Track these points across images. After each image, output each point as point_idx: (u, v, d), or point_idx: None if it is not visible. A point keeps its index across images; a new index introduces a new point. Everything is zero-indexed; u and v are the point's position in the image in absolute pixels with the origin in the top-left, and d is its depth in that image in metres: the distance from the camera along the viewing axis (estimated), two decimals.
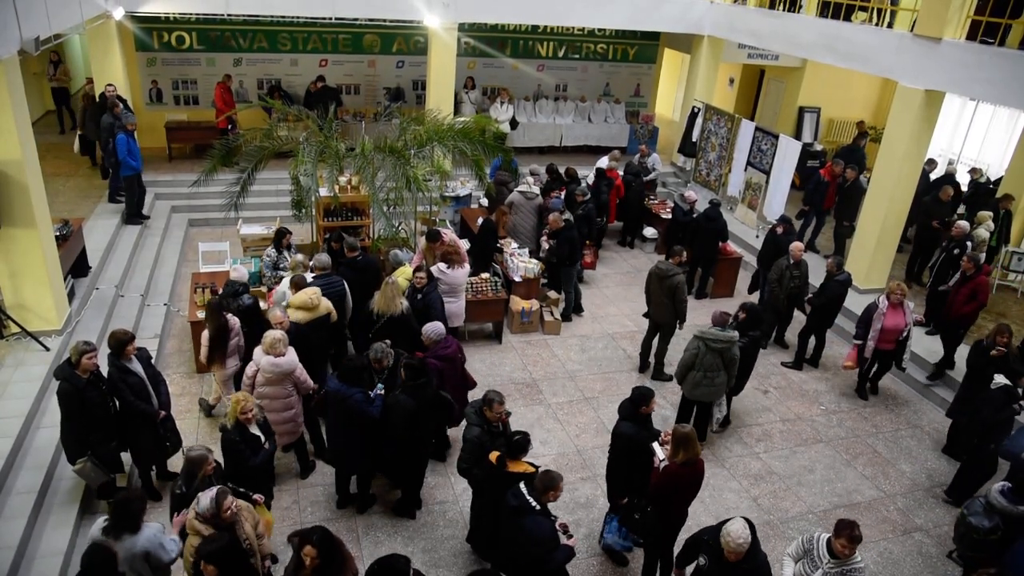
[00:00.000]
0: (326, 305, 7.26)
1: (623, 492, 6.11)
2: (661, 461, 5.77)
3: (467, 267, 8.76)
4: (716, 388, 7.44)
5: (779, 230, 10.15)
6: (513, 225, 11.05)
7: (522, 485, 5.04)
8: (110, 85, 11.50)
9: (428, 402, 6.14)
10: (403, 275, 8.06)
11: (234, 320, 7.09)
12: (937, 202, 10.97)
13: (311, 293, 7.09)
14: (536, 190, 11.12)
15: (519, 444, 5.42)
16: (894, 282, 8.47)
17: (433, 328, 6.83)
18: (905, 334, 8.43)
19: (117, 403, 6.01)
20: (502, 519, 5.19)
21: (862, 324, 8.55)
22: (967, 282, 8.76)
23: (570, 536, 5.12)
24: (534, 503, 4.94)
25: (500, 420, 5.84)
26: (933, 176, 13.05)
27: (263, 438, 5.81)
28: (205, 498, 4.63)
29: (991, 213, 10.46)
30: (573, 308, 10.43)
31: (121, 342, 5.94)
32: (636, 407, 5.92)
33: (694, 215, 11.27)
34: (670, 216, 12.18)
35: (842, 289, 9.14)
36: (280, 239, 8.89)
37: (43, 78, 15.10)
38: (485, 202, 12.30)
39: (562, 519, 5.30)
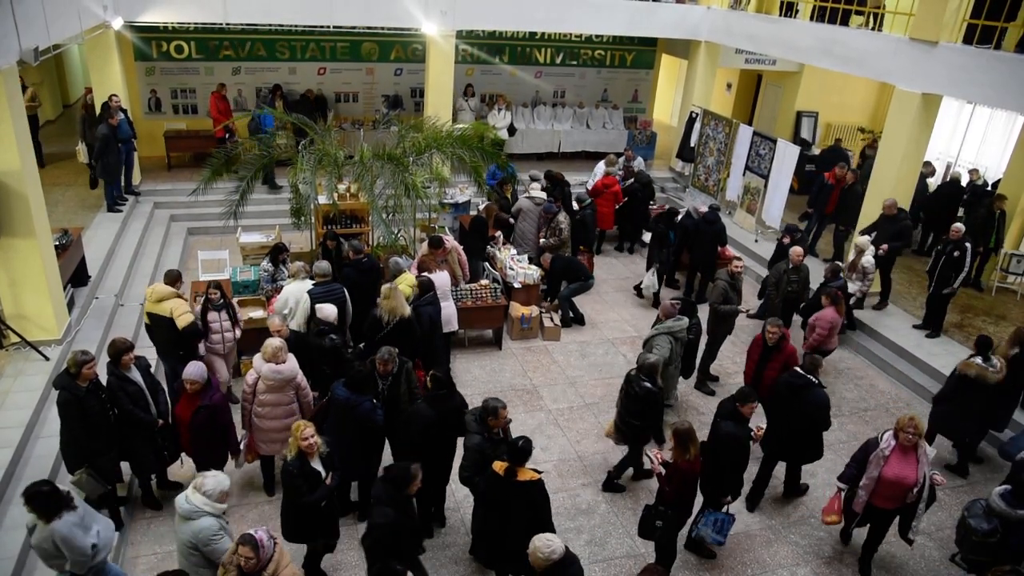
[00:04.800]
0: (169, 307, 7.06)
1: (725, 490, 6.19)
2: (659, 465, 5.81)
3: (446, 274, 8.77)
4: (678, 373, 8.15)
5: (785, 240, 10.09)
6: (521, 231, 11.07)
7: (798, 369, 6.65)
8: (114, 95, 11.52)
9: (448, 414, 6.07)
10: (406, 282, 8.05)
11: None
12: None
13: (156, 286, 7.24)
14: (543, 195, 11.18)
15: (523, 450, 5.35)
16: (906, 416, 5.94)
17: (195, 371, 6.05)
18: (916, 492, 5.91)
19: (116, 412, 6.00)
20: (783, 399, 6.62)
21: (854, 463, 6.25)
22: (775, 354, 7.48)
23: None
24: (813, 378, 6.42)
25: (502, 427, 5.83)
26: (932, 180, 13.10)
27: (324, 473, 5.45)
28: (248, 534, 4.40)
29: (869, 238, 9.99)
30: (574, 319, 10.43)
31: (120, 351, 5.94)
32: (733, 403, 6.22)
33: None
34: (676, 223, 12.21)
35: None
36: (276, 255, 8.93)
37: None
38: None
39: (563, 526, 5.28)
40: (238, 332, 7.63)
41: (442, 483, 6.48)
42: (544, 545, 4.42)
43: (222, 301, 7.41)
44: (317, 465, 5.42)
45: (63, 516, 4.71)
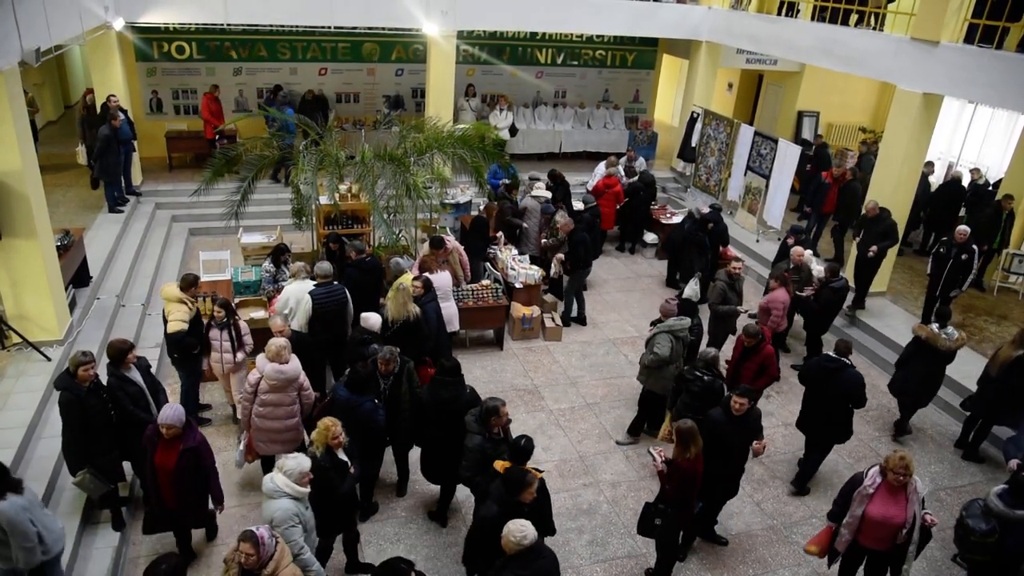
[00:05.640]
0: (170, 309, 7.10)
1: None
2: (661, 463, 5.81)
3: (447, 274, 8.79)
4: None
5: (790, 241, 10.03)
6: (526, 231, 11.07)
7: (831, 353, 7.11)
8: (112, 96, 11.54)
9: (449, 402, 6.14)
10: (407, 282, 8.06)
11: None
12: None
13: (167, 285, 7.34)
14: (548, 194, 11.19)
15: (525, 449, 5.36)
16: (896, 453, 5.43)
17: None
18: (905, 533, 5.46)
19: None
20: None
21: (840, 500, 5.76)
22: (752, 356, 7.50)
23: None
24: (847, 360, 7.00)
25: (502, 427, 5.84)
26: (933, 179, 13.09)
27: (349, 463, 5.53)
28: (249, 531, 4.37)
29: (810, 251, 10.02)
30: (576, 319, 10.43)
31: (120, 351, 5.94)
32: (729, 396, 6.27)
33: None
34: (672, 221, 12.17)
35: (836, 296, 9.11)
36: (278, 255, 8.93)
37: None
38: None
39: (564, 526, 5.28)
40: (240, 356, 7.23)
41: (443, 478, 6.53)
42: (517, 530, 4.45)
43: (225, 320, 7.10)
44: (343, 456, 5.50)
45: (8, 497, 4.63)
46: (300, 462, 4.93)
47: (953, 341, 7.79)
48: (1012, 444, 7.06)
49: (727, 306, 8.68)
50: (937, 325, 7.94)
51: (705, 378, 6.83)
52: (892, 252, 10.50)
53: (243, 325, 7.36)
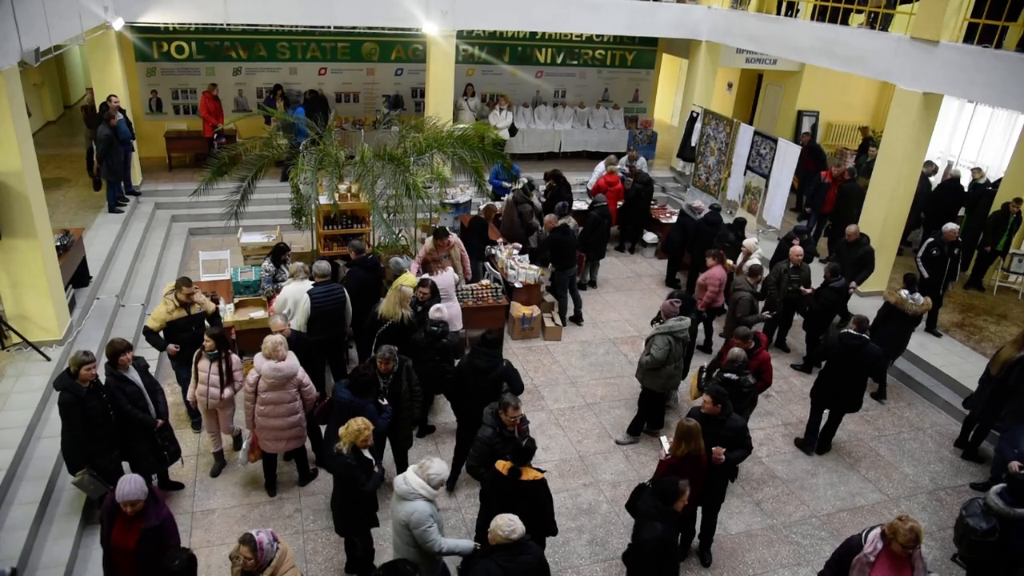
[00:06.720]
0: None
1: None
2: (666, 454, 5.82)
3: (451, 271, 8.80)
4: (679, 373, 7.91)
5: (795, 242, 9.83)
6: (539, 232, 11.10)
7: (849, 330, 7.43)
8: (113, 96, 11.54)
9: (481, 372, 6.48)
10: (407, 282, 8.05)
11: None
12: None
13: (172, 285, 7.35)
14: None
15: (527, 449, 5.35)
16: (906, 524, 4.71)
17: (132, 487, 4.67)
18: None
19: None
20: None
21: (835, 563, 5.08)
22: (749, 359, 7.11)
23: None
24: (867, 335, 7.39)
25: (515, 425, 5.84)
26: (932, 178, 13.09)
27: (374, 461, 5.55)
28: (248, 534, 4.37)
29: (755, 240, 9.99)
30: (573, 318, 10.42)
31: (117, 351, 5.94)
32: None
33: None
34: (672, 220, 12.15)
35: (836, 296, 9.10)
36: (279, 255, 8.92)
37: None
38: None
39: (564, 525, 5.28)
40: (228, 392, 6.64)
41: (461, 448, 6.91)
42: (506, 524, 4.50)
43: (215, 352, 6.54)
44: (368, 455, 5.53)
45: None
46: (443, 468, 5.01)
47: (919, 305, 8.48)
48: (1007, 443, 7.06)
49: (754, 315, 8.65)
50: (906, 291, 8.54)
51: (725, 375, 6.78)
52: (890, 248, 10.56)
53: (235, 360, 6.77)
